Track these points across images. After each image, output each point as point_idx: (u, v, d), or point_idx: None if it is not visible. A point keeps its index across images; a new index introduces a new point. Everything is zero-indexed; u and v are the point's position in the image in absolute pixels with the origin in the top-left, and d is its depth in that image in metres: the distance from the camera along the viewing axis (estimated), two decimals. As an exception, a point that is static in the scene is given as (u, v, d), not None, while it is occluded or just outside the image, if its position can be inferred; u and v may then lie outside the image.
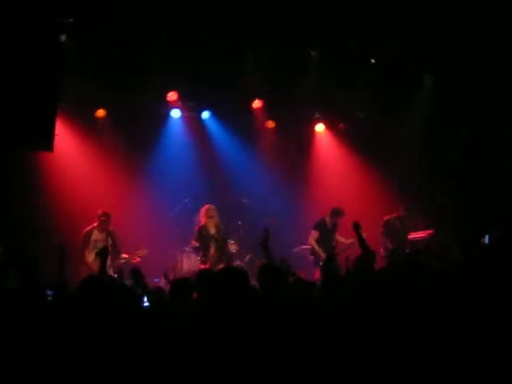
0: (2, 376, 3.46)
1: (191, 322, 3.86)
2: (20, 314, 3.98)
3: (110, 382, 3.42)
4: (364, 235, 7.89)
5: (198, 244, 10.16)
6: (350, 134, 12.64)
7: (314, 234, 10.79)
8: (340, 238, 10.87)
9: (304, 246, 11.15)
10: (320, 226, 10.84)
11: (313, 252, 10.71)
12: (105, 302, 3.76)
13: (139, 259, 9.76)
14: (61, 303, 4.60)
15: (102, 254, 6.02)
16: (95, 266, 9.14)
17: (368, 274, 5.00)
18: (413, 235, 10.97)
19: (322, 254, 10.39)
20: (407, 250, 10.00)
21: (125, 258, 9.74)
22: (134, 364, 3.50)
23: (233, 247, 10.56)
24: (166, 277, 7.77)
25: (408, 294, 4.03)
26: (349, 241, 10.43)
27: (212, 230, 10.22)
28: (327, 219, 10.89)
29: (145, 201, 11.42)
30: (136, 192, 11.37)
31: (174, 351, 3.56)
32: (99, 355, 3.46)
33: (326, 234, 10.82)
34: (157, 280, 10.11)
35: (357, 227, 6.72)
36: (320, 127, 12.67)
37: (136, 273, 5.28)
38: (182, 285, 5.41)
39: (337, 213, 10.78)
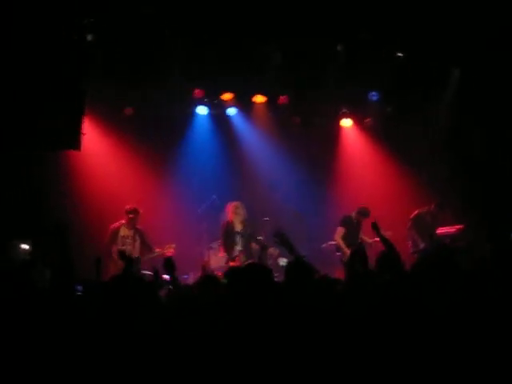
0: (29, 366, 3.52)
1: (216, 318, 3.87)
2: (49, 308, 4.03)
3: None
4: (389, 233, 7.85)
5: (222, 236, 10.17)
6: (377, 129, 12.55)
7: (340, 230, 10.65)
8: (363, 237, 10.76)
9: (332, 242, 11.07)
10: (346, 222, 10.70)
11: (338, 249, 10.62)
12: (131, 300, 3.81)
13: (173, 250, 9.80)
14: (90, 299, 4.64)
15: (123, 258, 6.07)
16: (121, 262, 9.22)
17: (392, 270, 4.93)
18: (441, 230, 10.87)
19: (346, 250, 10.32)
20: (437, 246, 9.88)
21: (158, 252, 9.81)
22: (155, 359, 3.53)
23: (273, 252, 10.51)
24: (204, 270, 7.84)
25: (433, 293, 3.98)
26: (371, 240, 10.27)
27: (238, 227, 10.22)
28: (353, 216, 10.79)
29: (172, 198, 11.48)
30: (163, 189, 11.43)
31: (199, 348, 3.58)
32: (124, 351, 3.49)
33: (352, 230, 10.69)
34: (186, 276, 10.16)
35: (375, 227, 6.64)
36: (347, 122, 12.59)
37: (169, 263, 5.29)
38: (209, 281, 5.42)
39: (363, 213, 10.63)
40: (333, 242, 11.00)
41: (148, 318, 3.87)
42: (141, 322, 3.79)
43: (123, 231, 9.84)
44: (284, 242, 5.77)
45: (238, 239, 10.13)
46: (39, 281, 6.10)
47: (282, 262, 10.02)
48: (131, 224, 9.82)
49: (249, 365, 3.41)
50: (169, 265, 5.28)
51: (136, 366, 3.52)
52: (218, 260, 10.49)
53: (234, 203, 10.31)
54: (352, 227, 10.70)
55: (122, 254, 6.31)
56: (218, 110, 12.00)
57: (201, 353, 3.55)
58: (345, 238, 10.59)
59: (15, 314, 3.96)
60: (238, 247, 10.12)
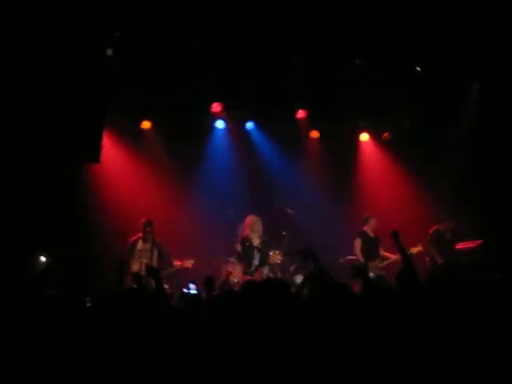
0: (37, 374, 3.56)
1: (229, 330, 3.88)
2: (57, 319, 4.06)
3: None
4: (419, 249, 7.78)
5: (240, 251, 10.21)
6: (395, 144, 12.50)
7: (357, 242, 10.77)
8: (386, 254, 10.79)
9: (350, 257, 11.04)
10: (361, 234, 10.83)
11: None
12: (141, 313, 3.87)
13: (191, 265, 9.83)
14: (98, 310, 4.65)
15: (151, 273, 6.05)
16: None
17: (411, 286, 4.88)
18: (461, 245, 10.79)
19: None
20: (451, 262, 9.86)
21: (177, 266, 9.82)
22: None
23: (278, 258, 10.54)
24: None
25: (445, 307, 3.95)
26: (394, 256, 10.32)
27: (255, 242, 10.24)
28: (367, 229, 10.88)
29: (190, 211, 11.45)
30: (182, 203, 11.41)
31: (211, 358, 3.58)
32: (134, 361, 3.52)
33: (369, 243, 10.77)
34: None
35: (395, 236, 6.60)
36: (365, 136, 12.57)
37: (210, 282, 5.38)
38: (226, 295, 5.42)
39: (366, 219, 10.84)
40: (351, 257, 10.97)
41: (159, 330, 3.90)
42: (150, 334, 3.83)
43: (140, 245, 9.84)
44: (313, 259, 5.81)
45: (256, 254, 10.15)
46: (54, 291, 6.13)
47: (299, 278, 10.01)
48: (148, 237, 9.81)
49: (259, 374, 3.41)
50: (210, 283, 5.38)
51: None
52: (236, 274, 10.49)
53: (251, 218, 10.32)
54: (369, 240, 10.81)
55: (150, 270, 6.27)
56: (235, 123, 12.00)
57: (212, 364, 3.56)
58: (363, 251, 10.73)
59: (26, 322, 4.01)
60: (256, 262, 10.14)
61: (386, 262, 10.62)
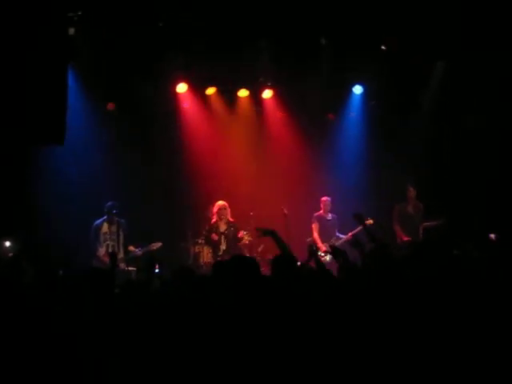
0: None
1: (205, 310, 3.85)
2: (36, 308, 4.02)
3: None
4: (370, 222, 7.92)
5: (216, 237, 10.24)
6: (360, 122, 12.51)
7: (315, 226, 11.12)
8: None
9: (308, 239, 11.09)
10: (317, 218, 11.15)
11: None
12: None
13: (158, 248, 9.81)
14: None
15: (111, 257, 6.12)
16: (106, 259, 9.17)
17: (383, 266, 4.86)
18: (426, 223, 10.92)
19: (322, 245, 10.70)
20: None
21: (134, 251, 9.76)
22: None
23: (245, 238, 10.59)
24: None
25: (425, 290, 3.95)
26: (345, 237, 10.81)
27: (222, 228, 10.28)
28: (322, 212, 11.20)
29: (157, 192, 11.37)
30: (148, 183, 11.30)
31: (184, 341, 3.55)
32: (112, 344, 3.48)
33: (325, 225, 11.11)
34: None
35: (360, 219, 6.60)
36: (330, 116, 12.55)
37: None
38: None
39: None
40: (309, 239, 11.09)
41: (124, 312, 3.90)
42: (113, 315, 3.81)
43: (105, 228, 9.76)
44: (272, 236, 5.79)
45: (223, 239, 10.20)
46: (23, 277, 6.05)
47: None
48: (113, 219, 9.72)
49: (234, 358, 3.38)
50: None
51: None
52: (204, 256, 10.52)
53: (218, 205, 10.34)
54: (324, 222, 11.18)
55: (112, 255, 6.30)
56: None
57: (186, 347, 3.53)
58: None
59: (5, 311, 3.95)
60: (223, 247, 10.18)
61: (341, 241, 10.84)
